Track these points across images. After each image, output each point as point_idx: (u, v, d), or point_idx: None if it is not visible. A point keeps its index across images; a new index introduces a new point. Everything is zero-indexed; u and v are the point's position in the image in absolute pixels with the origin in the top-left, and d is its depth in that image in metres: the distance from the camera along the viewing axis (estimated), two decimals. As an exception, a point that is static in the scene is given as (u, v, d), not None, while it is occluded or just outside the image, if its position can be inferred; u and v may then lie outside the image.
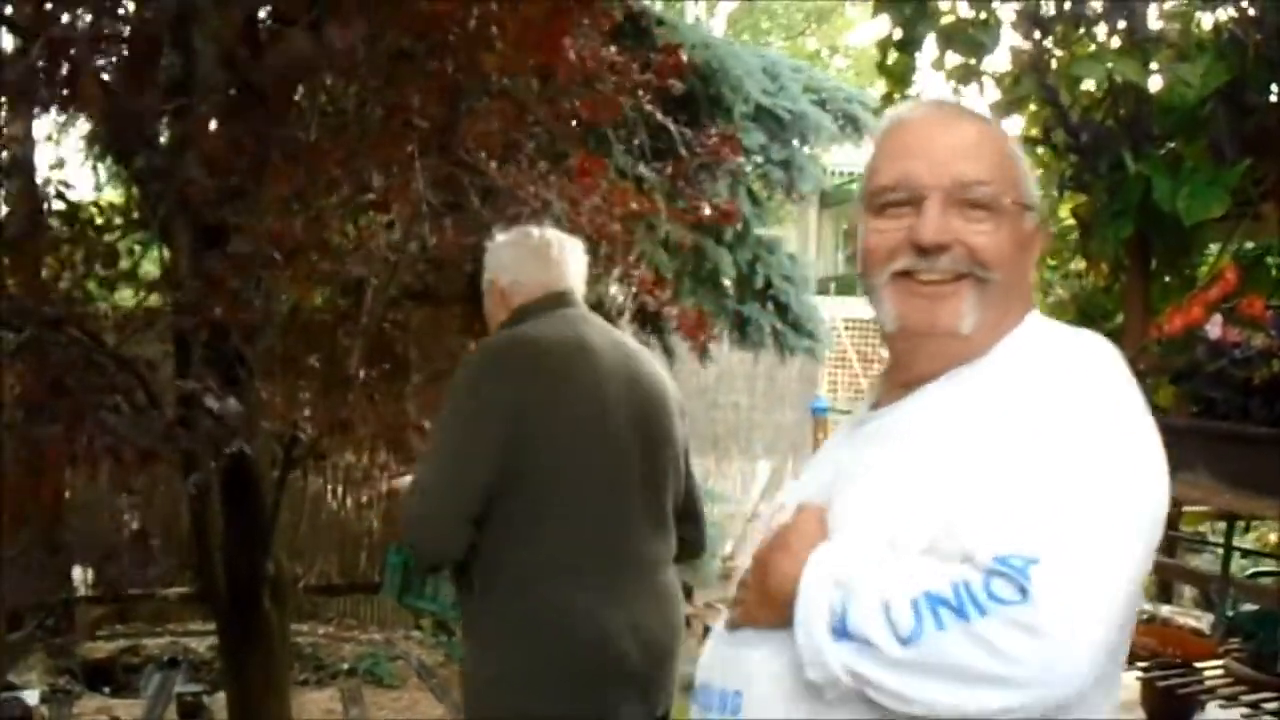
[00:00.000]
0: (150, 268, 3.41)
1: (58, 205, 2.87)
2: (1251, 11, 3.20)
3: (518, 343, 2.49)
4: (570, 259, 2.64)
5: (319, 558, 7.74)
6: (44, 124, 3.42)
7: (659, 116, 4.18)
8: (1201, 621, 3.87)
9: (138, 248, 3.00)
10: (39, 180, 3.05)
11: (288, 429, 3.50)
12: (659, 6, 6.41)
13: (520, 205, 3.67)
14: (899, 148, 1.39)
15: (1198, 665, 3.69)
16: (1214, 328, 2.84)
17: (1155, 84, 3.48)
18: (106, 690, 5.77)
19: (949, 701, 1.12)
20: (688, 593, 7.48)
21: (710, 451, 9.49)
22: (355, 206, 3.44)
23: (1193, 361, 2.90)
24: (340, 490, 7.83)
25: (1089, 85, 3.66)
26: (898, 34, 3.95)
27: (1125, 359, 1.34)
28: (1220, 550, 4.17)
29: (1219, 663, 3.65)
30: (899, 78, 4.07)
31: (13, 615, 3.02)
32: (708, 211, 4.33)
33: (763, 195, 7.18)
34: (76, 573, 6.27)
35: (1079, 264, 4.38)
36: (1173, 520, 4.76)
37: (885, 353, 1.51)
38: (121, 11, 2.80)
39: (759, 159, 6.68)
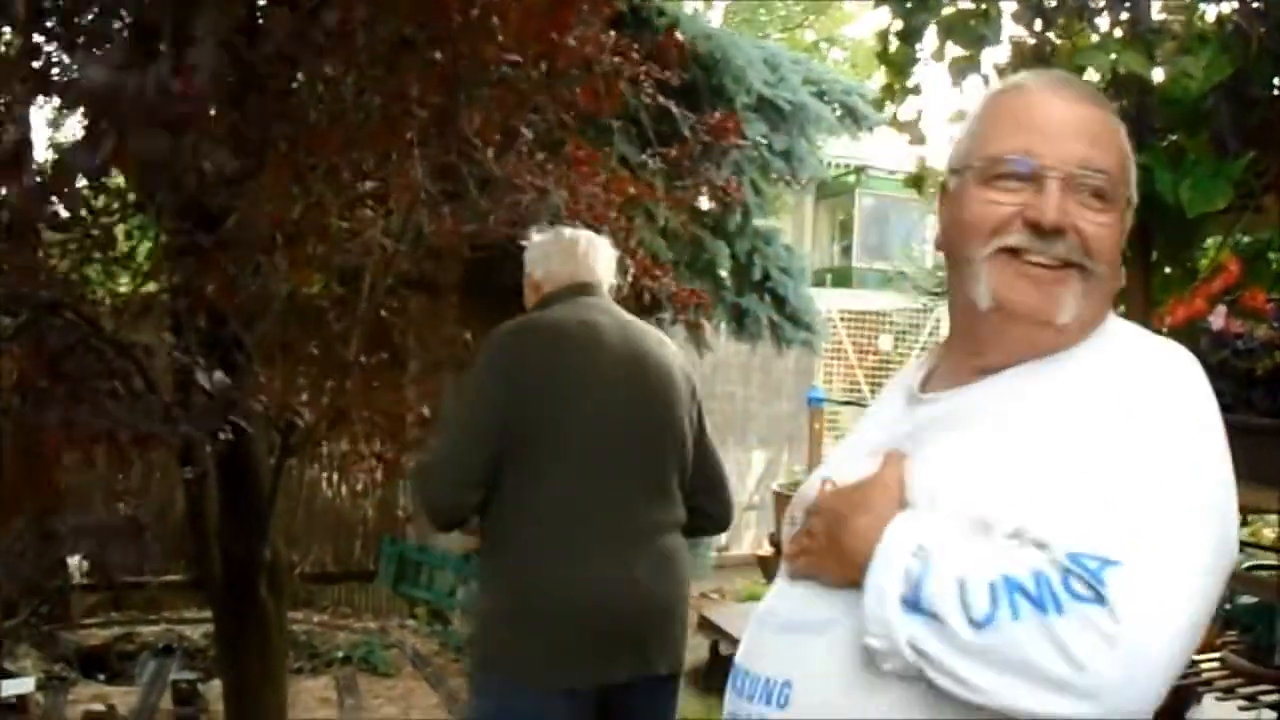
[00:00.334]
0: (147, 249, 3.40)
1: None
2: (1255, 4, 3.20)
3: (525, 325, 2.79)
4: (596, 255, 2.91)
5: (314, 546, 7.75)
6: (44, 111, 3.40)
7: (661, 100, 4.17)
8: (1199, 614, 3.87)
9: (136, 232, 2.98)
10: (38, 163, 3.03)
11: (285, 415, 3.49)
12: (659, -2, 6.39)
13: (518, 194, 3.66)
14: (1020, 118, 1.31)
15: (1195, 658, 3.70)
16: (1217, 319, 2.84)
17: (1158, 75, 3.47)
18: (101, 677, 5.77)
19: (1010, 695, 1.07)
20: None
21: (706, 442, 9.47)
22: (354, 194, 3.43)
23: (1195, 353, 2.90)
24: (336, 478, 7.83)
25: (1092, 76, 3.64)
26: (898, 25, 3.94)
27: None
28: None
29: (1216, 655, 3.65)
30: (899, 68, 4.06)
31: (7, 602, 3.01)
32: (706, 195, 4.32)
33: (763, 186, 7.18)
34: (72, 560, 6.27)
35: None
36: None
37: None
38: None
39: (761, 148, 6.68)
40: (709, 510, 2.88)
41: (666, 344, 2.88)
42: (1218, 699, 3.54)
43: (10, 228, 2.73)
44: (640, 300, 4.46)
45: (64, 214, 2.63)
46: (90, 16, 2.44)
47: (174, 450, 2.89)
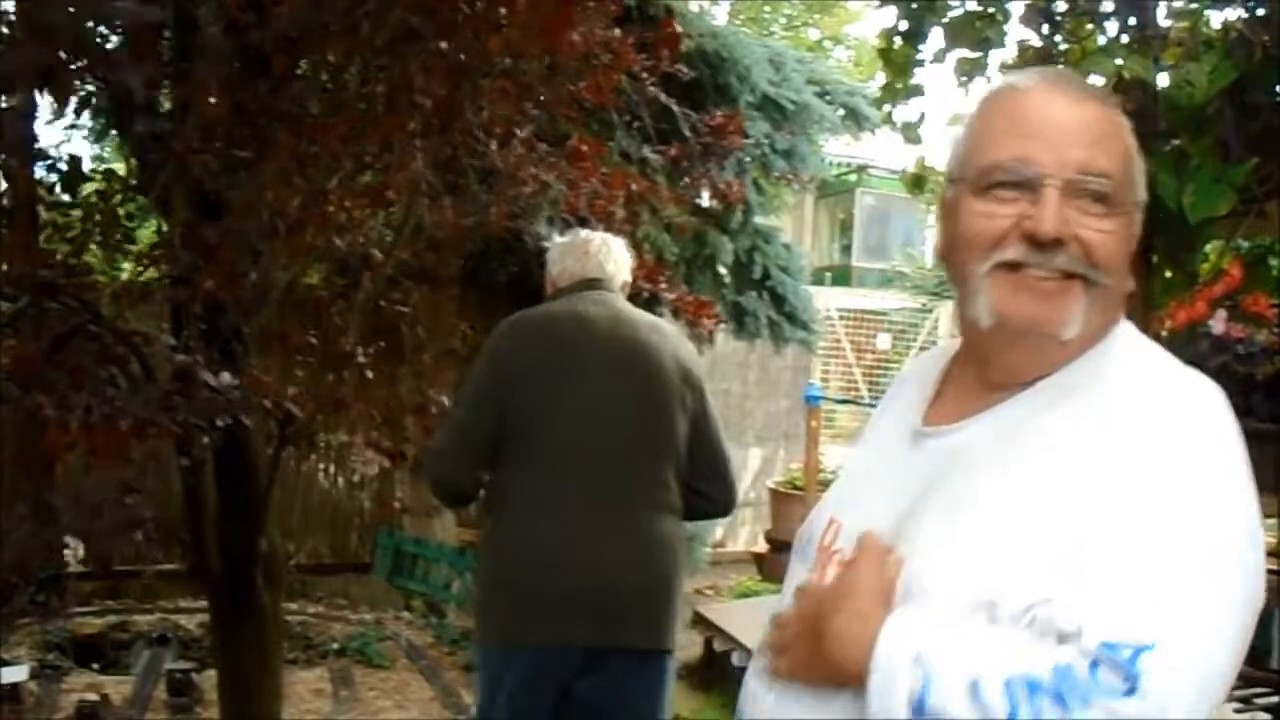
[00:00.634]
0: (148, 238, 3.40)
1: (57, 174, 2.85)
2: (1260, 11, 3.19)
3: (520, 318, 3.03)
4: (607, 253, 3.13)
5: (310, 537, 7.75)
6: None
7: (663, 98, 4.17)
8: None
9: (136, 214, 2.98)
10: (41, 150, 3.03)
11: (283, 406, 3.49)
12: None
13: (519, 187, 3.66)
14: (1016, 122, 1.23)
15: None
16: (1218, 323, 2.84)
17: (1162, 81, 3.47)
18: (96, 666, 5.76)
19: None
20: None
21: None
22: (355, 183, 3.43)
23: (1195, 357, 2.90)
24: (332, 470, 7.83)
25: (1097, 81, 3.64)
26: (903, 25, 3.93)
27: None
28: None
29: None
30: (900, 68, 4.05)
31: (1, 589, 3.00)
32: (707, 194, 4.31)
33: (765, 184, 7.18)
34: (68, 548, 6.27)
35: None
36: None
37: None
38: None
39: (764, 147, 6.68)
40: (709, 494, 3.03)
41: (660, 331, 3.03)
42: (1212, 703, 3.54)
43: (10, 211, 2.74)
44: (639, 298, 4.46)
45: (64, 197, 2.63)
46: None
47: (172, 438, 2.88)
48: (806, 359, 10.27)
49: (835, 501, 1.44)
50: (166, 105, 3.04)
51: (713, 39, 6.26)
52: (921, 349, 11.95)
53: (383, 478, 7.87)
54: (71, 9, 1.94)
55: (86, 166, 2.98)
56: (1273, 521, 5.60)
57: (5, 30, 2.33)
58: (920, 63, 4.02)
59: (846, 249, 17.97)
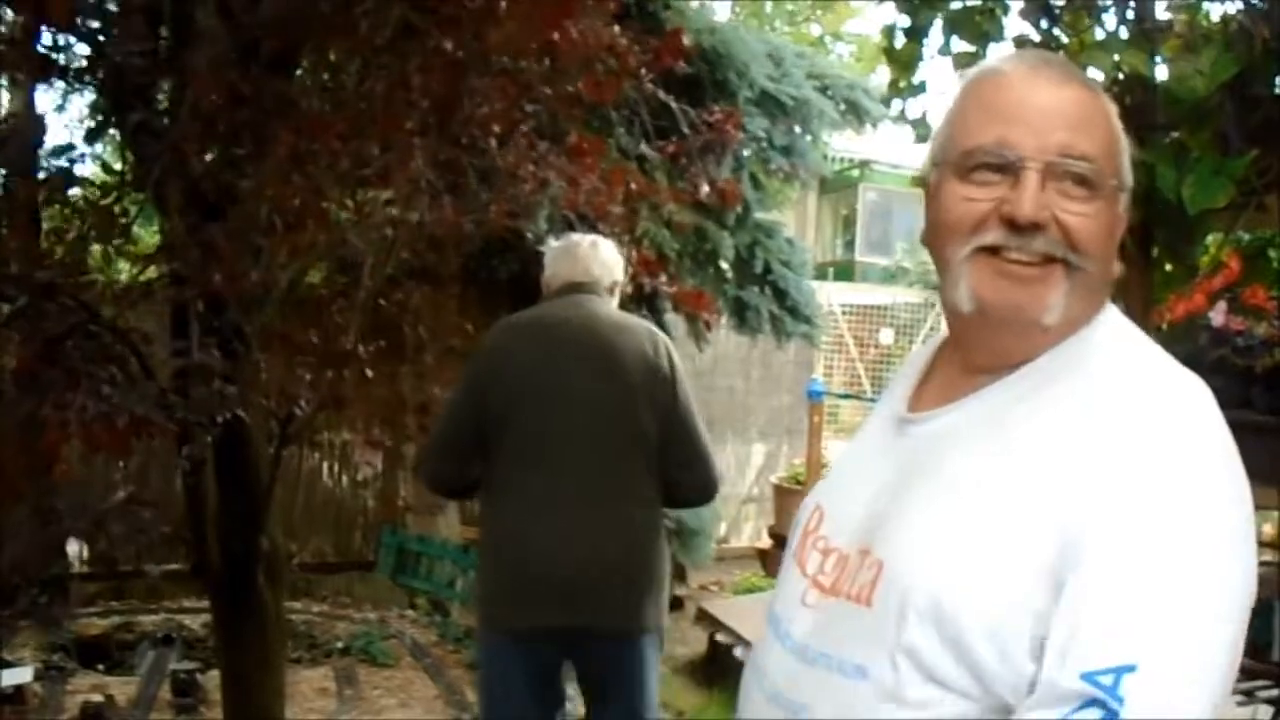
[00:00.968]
0: (149, 239, 3.40)
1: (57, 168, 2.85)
2: (1259, 4, 3.19)
3: (502, 323, 3.28)
4: (595, 256, 3.28)
5: (314, 535, 7.75)
6: (45, 100, 3.40)
7: (661, 96, 4.17)
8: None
9: (133, 209, 2.98)
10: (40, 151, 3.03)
11: (284, 404, 3.49)
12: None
13: (519, 185, 3.65)
14: (997, 105, 1.22)
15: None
16: (1217, 315, 2.84)
17: (1161, 74, 3.46)
18: (100, 667, 5.77)
19: None
20: (680, 574, 7.50)
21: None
22: (354, 180, 3.42)
23: (1194, 350, 2.90)
24: (336, 468, 7.84)
25: (1096, 74, 3.64)
26: (904, 21, 3.93)
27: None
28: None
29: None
30: (904, 64, 4.05)
31: (5, 590, 3.00)
32: (707, 190, 4.31)
33: (764, 180, 7.17)
34: (72, 549, 6.27)
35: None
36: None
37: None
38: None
39: (763, 142, 6.67)
40: (683, 481, 3.15)
41: (628, 330, 3.18)
42: (1214, 696, 3.54)
43: (10, 211, 2.73)
44: (641, 293, 4.46)
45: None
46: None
47: (171, 437, 2.88)
48: (809, 355, 10.26)
49: (822, 489, 1.45)
50: (163, 101, 3.04)
51: (710, 34, 6.25)
52: (924, 344, 11.92)
53: (386, 476, 7.88)
54: None
55: (84, 166, 2.99)
56: (1272, 514, 5.60)
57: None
58: (923, 59, 4.02)
59: (849, 244, 17.94)
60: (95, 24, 2.56)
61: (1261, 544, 5.49)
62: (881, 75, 4.22)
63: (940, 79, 4.11)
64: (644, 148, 4.82)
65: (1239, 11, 3.26)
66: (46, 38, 2.96)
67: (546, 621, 2.97)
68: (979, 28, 3.75)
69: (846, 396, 11.02)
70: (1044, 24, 3.64)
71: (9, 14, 2.95)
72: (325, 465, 7.78)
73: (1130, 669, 1.00)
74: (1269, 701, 3.27)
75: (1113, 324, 1.26)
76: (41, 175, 2.92)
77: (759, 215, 7.07)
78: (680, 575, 7.54)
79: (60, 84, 3.19)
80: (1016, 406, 1.20)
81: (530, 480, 3.01)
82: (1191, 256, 3.71)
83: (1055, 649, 1.04)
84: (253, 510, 3.53)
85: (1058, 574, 1.07)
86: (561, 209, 3.95)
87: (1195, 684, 1.02)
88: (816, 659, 1.21)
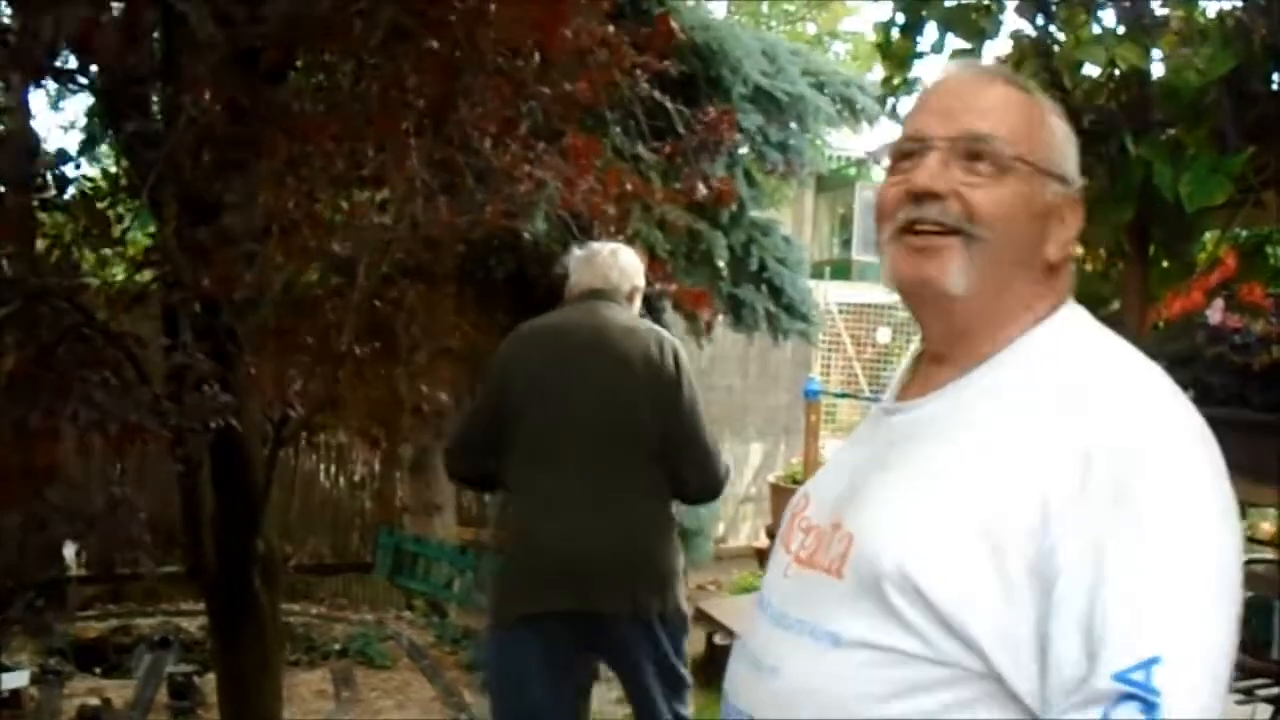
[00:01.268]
0: (144, 240, 3.38)
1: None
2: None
3: (520, 329, 3.43)
4: (613, 264, 3.44)
5: (311, 537, 7.74)
6: (41, 101, 3.38)
7: (656, 96, 4.16)
8: (1195, 609, 3.85)
9: (127, 216, 2.97)
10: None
11: (279, 406, 3.48)
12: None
13: (515, 185, 3.65)
14: (923, 104, 1.34)
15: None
16: (1214, 313, 2.83)
17: (1158, 70, 3.45)
18: (98, 671, 5.75)
19: None
20: (680, 575, 7.49)
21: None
22: (349, 182, 3.42)
23: (1191, 347, 2.89)
24: (333, 469, 7.82)
25: (1092, 70, 3.63)
26: (899, 18, 3.92)
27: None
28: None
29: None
30: (900, 62, 4.04)
31: (1, 595, 2.99)
32: (703, 191, 4.30)
33: (760, 177, 7.16)
34: (69, 552, 6.25)
35: (1076, 249, 4.36)
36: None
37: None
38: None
39: (757, 139, 6.66)
40: (691, 480, 3.30)
41: (635, 334, 3.32)
42: (1214, 694, 3.52)
43: (4, 214, 2.72)
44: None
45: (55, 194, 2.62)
46: None
47: (165, 443, 2.87)
48: (806, 354, 10.26)
49: (812, 478, 1.52)
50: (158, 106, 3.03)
51: (704, 31, 6.24)
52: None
53: (383, 476, 7.87)
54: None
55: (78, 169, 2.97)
56: (1269, 512, 5.60)
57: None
58: (919, 56, 4.01)
59: (846, 243, 17.91)
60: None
61: (1261, 542, 5.50)
62: (879, 73, 4.22)
63: (936, 75, 4.11)
64: (640, 148, 4.81)
65: (1236, 8, 3.25)
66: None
67: (556, 606, 3.11)
68: (975, 24, 3.74)
69: (844, 395, 11.02)
70: (1040, 20, 3.63)
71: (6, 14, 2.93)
72: (322, 466, 7.77)
73: (1156, 660, 1.04)
74: (1268, 700, 3.26)
75: (1075, 318, 1.32)
76: (36, 179, 2.91)
77: (754, 213, 7.06)
78: (678, 575, 7.53)
79: (54, 85, 3.18)
80: (982, 398, 1.26)
81: (540, 477, 3.19)
82: (1188, 254, 3.71)
83: (1076, 649, 1.08)
84: (249, 512, 3.52)
85: (1036, 559, 1.11)
86: (557, 209, 3.94)
87: (1216, 663, 1.07)
88: (791, 624, 1.26)
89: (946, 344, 1.32)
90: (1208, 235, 3.83)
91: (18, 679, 4.90)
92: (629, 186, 3.99)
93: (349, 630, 6.48)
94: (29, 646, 5.54)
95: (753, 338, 7.71)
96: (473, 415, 3.44)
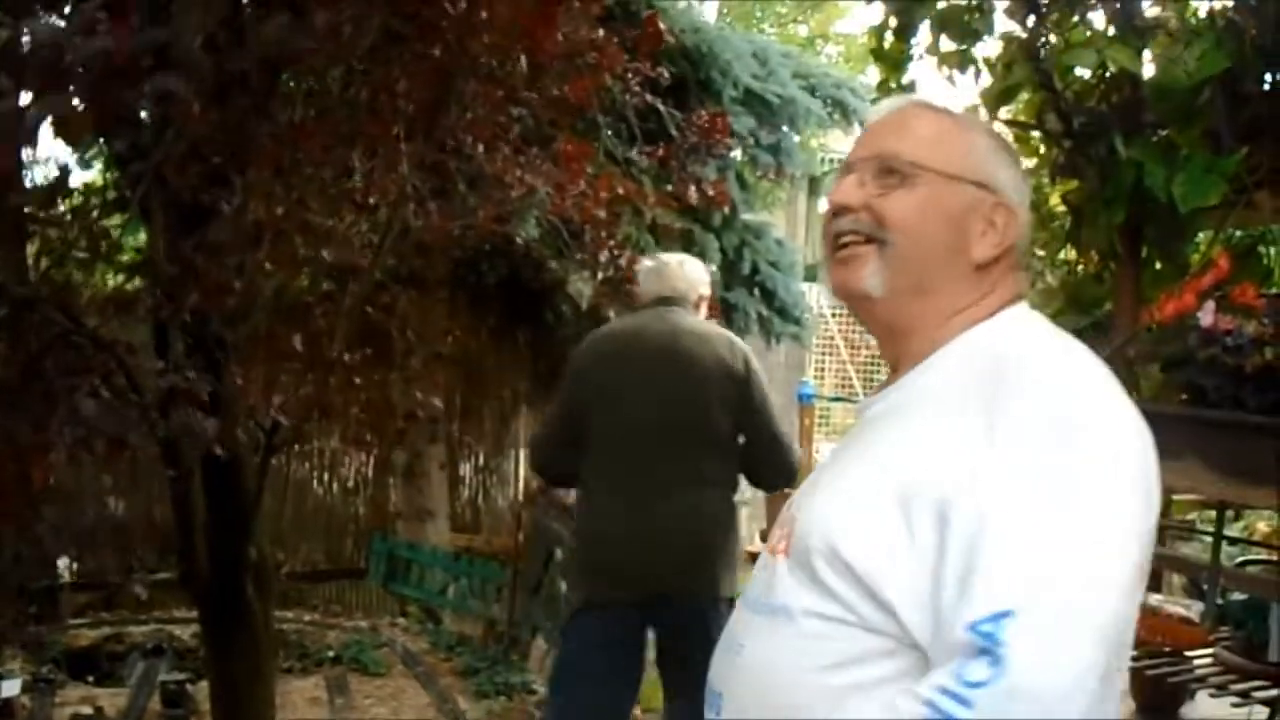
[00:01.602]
0: (137, 242, 3.37)
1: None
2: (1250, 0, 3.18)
3: (595, 333, 3.77)
4: (680, 274, 3.70)
5: (305, 544, 7.72)
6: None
7: (648, 99, 4.15)
8: (1191, 610, 3.85)
9: (117, 229, 2.95)
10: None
11: (270, 413, 3.46)
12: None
13: (506, 190, 3.64)
14: (860, 137, 1.44)
15: (1188, 654, 3.69)
16: (1206, 315, 2.82)
17: (1149, 71, 3.45)
18: (90, 679, 5.72)
19: None
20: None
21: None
22: (339, 189, 3.40)
23: (1184, 349, 2.89)
24: (326, 476, 7.80)
25: (1083, 72, 3.63)
26: (893, 21, 3.92)
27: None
28: (1208, 538, 4.15)
29: (1209, 651, 3.64)
30: (894, 64, 4.04)
31: (-8, 604, 2.98)
32: (694, 194, 4.31)
33: (752, 180, 7.15)
34: (61, 560, 6.23)
35: (1069, 252, 4.36)
36: (1162, 509, 4.74)
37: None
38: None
39: (749, 142, 6.65)
40: (764, 469, 3.58)
41: (708, 338, 3.59)
42: (1211, 695, 3.53)
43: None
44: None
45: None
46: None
47: (154, 455, 2.85)
48: (800, 357, 10.24)
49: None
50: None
51: (694, 34, 6.23)
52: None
53: (376, 482, 7.85)
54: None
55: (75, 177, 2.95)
56: (1263, 513, 5.60)
57: None
58: (912, 59, 4.02)
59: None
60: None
61: (1258, 543, 5.50)
62: (872, 75, 4.23)
63: (928, 79, 4.11)
64: (632, 152, 4.80)
65: (1224, 7, 3.25)
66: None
67: (626, 589, 3.37)
68: (968, 27, 3.74)
69: (838, 399, 11.02)
70: (1030, 22, 3.63)
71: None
72: (315, 473, 7.75)
73: (1008, 614, 1.06)
74: (1264, 702, 3.26)
75: (1021, 318, 1.37)
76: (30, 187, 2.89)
77: (747, 216, 7.06)
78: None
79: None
80: (918, 392, 1.33)
81: (614, 468, 3.45)
82: (1182, 255, 3.71)
83: (952, 599, 1.12)
84: (240, 520, 3.50)
85: (936, 517, 1.16)
86: (548, 214, 3.94)
87: (1076, 623, 1.08)
88: (759, 607, 1.35)
89: (890, 346, 1.41)
90: (1200, 236, 3.84)
91: (10, 687, 4.87)
92: (620, 190, 3.99)
93: (343, 637, 6.45)
94: (21, 655, 5.52)
95: (745, 341, 7.69)
96: (554, 415, 3.72)
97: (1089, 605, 1.09)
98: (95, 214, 2.75)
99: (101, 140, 3.26)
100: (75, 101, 1.98)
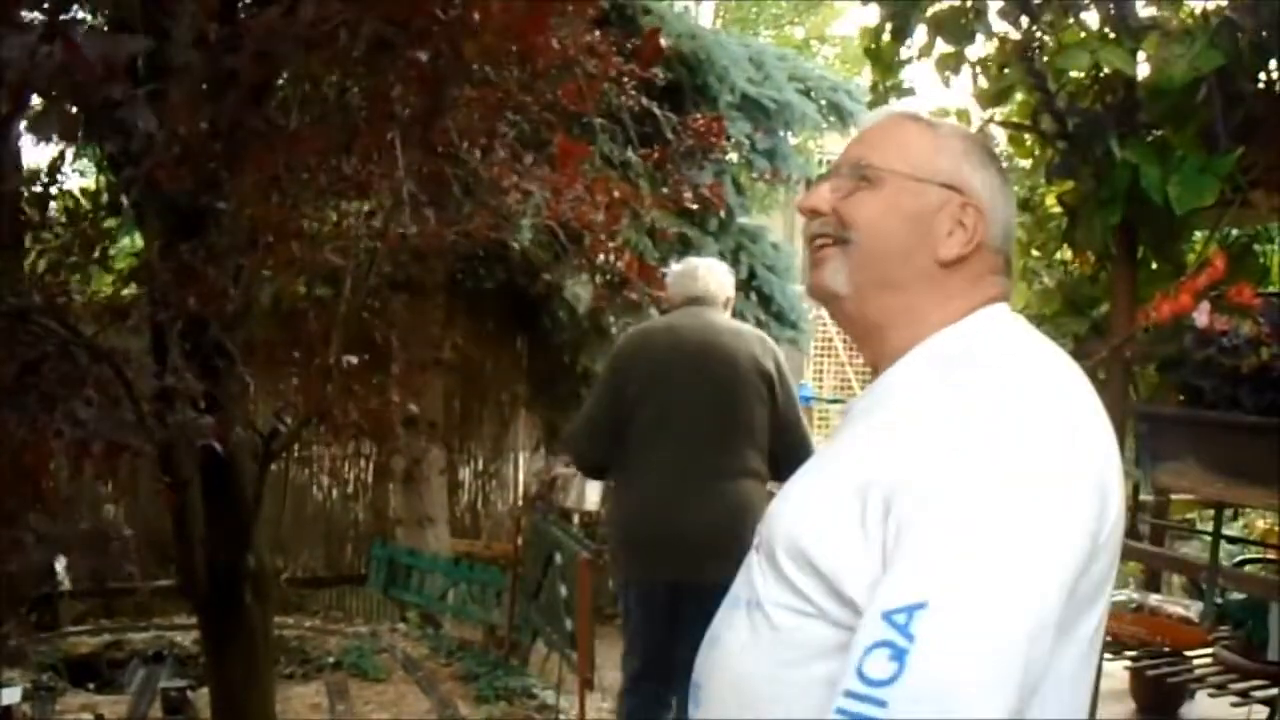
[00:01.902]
0: (133, 247, 3.37)
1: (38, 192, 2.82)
2: (1243, -1, 3.18)
3: (632, 331, 4.12)
4: (713, 276, 4.01)
5: (305, 550, 7.72)
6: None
7: (644, 102, 4.16)
8: (1190, 610, 3.85)
9: (115, 231, 2.95)
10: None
11: (268, 420, 3.46)
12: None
13: (502, 196, 3.64)
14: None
15: (1187, 654, 3.68)
16: (1201, 315, 2.82)
17: (1143, 72, 3.45)
18: (91, 686, 5.72)
19: None
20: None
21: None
22: (334, 194, 3.40)
23: (1180, 350, 2.89)
24: (325, 482, 7.81)
25: (1077, 73, 3.63)
26: (887, 23, 3.92)
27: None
28: (1207, 538, 4.16)
29: (1208, 651, 3.64)
30: (887, 66, 4.04)
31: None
32: (689, 196, 4.31)
33: (748, 184, 7.15)
34: (60, 568, 6.22)
35: (1064, 253, 4.37)
36: (1161, 509, 4.75)
37: None
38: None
39: (745, 146, 6.66)
40: (786, 462, 3.69)
41: (741, 336, 3.88)
42: (1210, 695, 3.53)
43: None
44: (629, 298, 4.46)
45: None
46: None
47: (151, 460, 2.85)
48: (798, 360, 10.24)
49: None
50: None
51: (691, 39, 6.24)
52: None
53: (376, 488, 7.85)
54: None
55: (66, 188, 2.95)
56: (1264, 513, 5.60)
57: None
58: (906, 61, 4.02)
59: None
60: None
61: (1258, 543, 5.49)
62: (868, 77, 4.24)
63: (922, 80, 4.11)
64: (629, 154, 4.81)
65: (1221, 6, 3.25)
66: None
67: (662, 575, 3.67)
68: (963, 28, 3.74)
69: (836, 401, 11.02)
70: (1024, 23, 3.63)
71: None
72: (314, 479, 7.75)
73: (921, 606, 1.06)
74: (1264, 702, 3.26)
75: (996, 318, 1.37)
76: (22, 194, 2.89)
77: (743, 220, 7.06)
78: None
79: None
80: (887, 390, 1.36)
81: (652, 457, 3.70)
82: (1177, 254, 3.71)
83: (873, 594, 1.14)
84: (239, 527, 3.50)
85: (884, 510, 1.16)
86: (545, 219, 3.94)
87: (990, 619, 1.06)
88: (735, 601, 1.38)
89: (867, 348, 1.43)
90: (1196, 235, 3.84)
91: (10, 695, 4.86)
92: (617, 194, 3.98)
93: (343, 643, 6.45)
94: (21, 662, 5.52)
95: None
96: (596, 405, 3.91)
97: (1006, 603, 1.07)
98: (89, 218, 2.75)
99: (96, 146, 3.26)
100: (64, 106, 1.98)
